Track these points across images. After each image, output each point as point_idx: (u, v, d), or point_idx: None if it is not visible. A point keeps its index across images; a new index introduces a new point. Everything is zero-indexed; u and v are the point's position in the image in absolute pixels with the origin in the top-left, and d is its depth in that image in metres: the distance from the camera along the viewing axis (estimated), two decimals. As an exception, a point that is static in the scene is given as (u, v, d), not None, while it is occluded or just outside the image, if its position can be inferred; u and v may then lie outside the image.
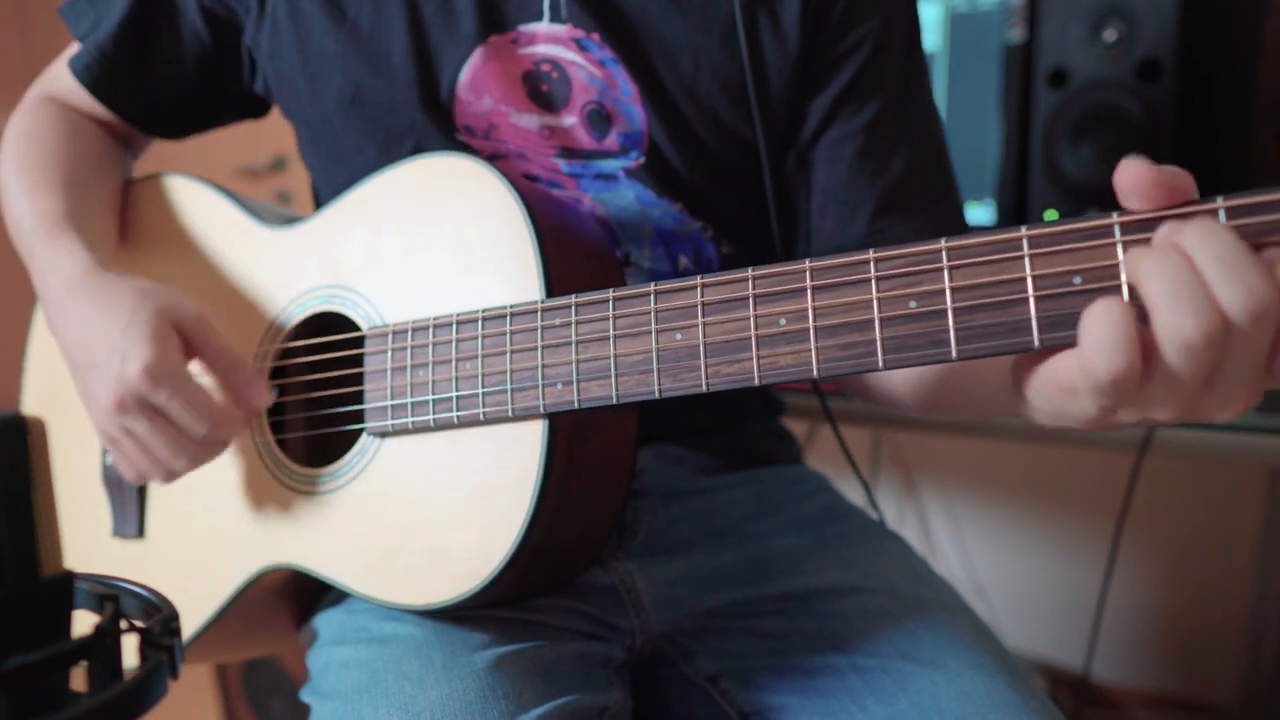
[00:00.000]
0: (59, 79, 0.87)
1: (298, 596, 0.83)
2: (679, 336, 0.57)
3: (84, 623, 0.40)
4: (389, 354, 0.69)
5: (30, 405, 0.92)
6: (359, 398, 0.71)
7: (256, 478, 0.76)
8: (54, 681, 0.37)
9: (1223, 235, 0.41)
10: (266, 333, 0.77)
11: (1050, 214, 1.22)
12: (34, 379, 0.92)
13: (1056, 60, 1.19)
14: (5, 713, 0.35)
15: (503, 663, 0.64)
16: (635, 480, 0.77)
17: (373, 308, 0.71)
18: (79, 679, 0.38)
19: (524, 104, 0.76)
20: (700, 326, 0.57)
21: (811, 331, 0.53)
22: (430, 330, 0.67)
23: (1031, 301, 0.47)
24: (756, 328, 0.55)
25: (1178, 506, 1.62)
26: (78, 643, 0.38)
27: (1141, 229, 0.45)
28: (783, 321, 0.54)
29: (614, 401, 0.59)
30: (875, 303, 0.51)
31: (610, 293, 0.60)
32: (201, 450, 0.70)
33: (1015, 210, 1.27)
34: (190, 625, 0.78)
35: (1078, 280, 0.46)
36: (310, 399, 0.77)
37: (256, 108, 0.90)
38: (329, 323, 0.75)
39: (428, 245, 0.69)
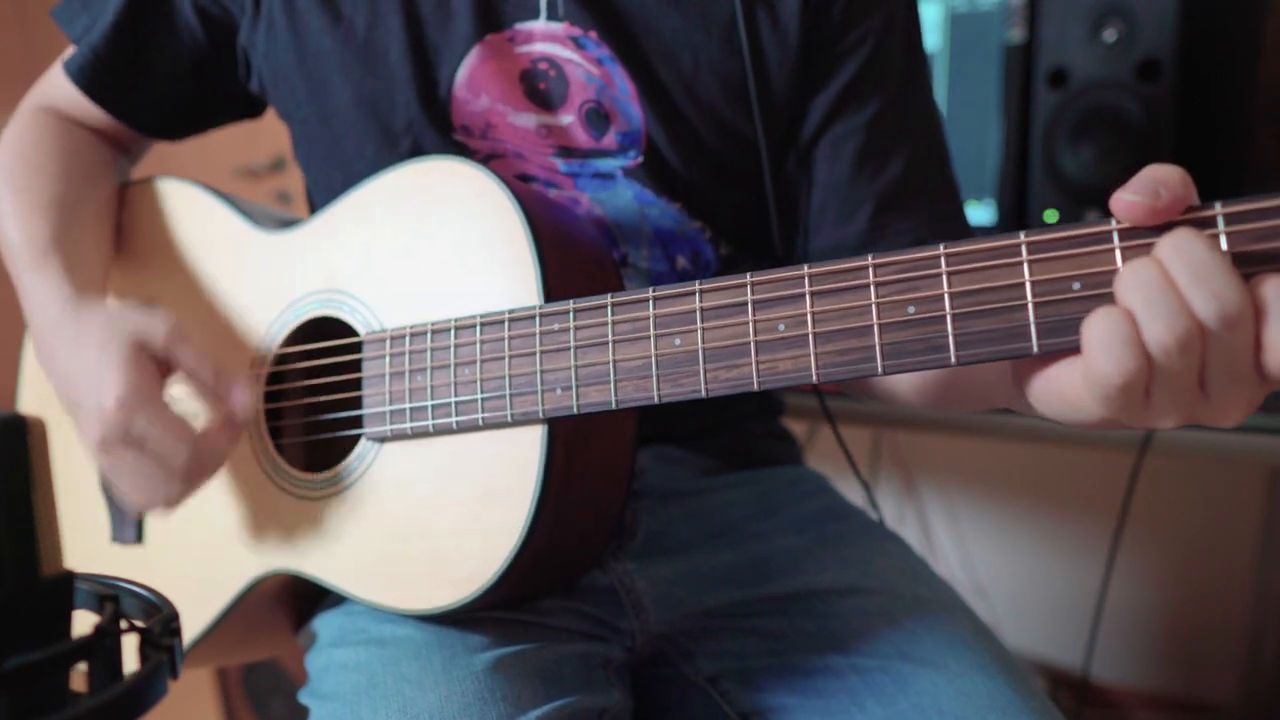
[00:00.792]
0: (54, 86, 0.86)
1: (297, 600, 0.83)
2: (678, 342, 0.57)
3: (84, 623, 0.40)
4: (387, 359, 0.69)
5: (28, 407, 0.91)
6: (357, 403, 0.70)
7: (255, 484, 0.76)
8: (54, 681, 0.37)
9: (1195, 245, 0.43)
10: (263, 339, 0.77)
11: (1050, 214, 1.22)
12: (29, 382, 0.91)
13: (1056, 60, 1.19)
14: (5, 713, 0.35)
15: (502, 664, 0.65)
16: (634, 481, 0.77)
17: (370, 312, 0.71)
18: (79, 679, 0.38)
19: (521, 103, 0.75)
20: (699, 331, 0.56)
21: (810, 337, 0.53)
22: (428, 335, 0.67)
23: (1030, 307, 0.47)
24: (755, 333, 0.55)
25: (1178, 506, 1.62)
26: (78, 643, 0.38)
27: (1140, 234, 0.45)
28: (781, 327, 0.54)
29: (613, 407, 0.59)
30: (874, 308, 0.51)
31: (609, 298, 0.60)
32: (191, 474, 0.68)
33: (1015, 210, 1.27)
34: (190, 631, 0.78)
35: (1077, 286, 0.46)
36: (309, 404, 0.77)
37: (253, 108, 0.89)
38: (326, 328, 0.75)
39: (425, 250, 0.69)
